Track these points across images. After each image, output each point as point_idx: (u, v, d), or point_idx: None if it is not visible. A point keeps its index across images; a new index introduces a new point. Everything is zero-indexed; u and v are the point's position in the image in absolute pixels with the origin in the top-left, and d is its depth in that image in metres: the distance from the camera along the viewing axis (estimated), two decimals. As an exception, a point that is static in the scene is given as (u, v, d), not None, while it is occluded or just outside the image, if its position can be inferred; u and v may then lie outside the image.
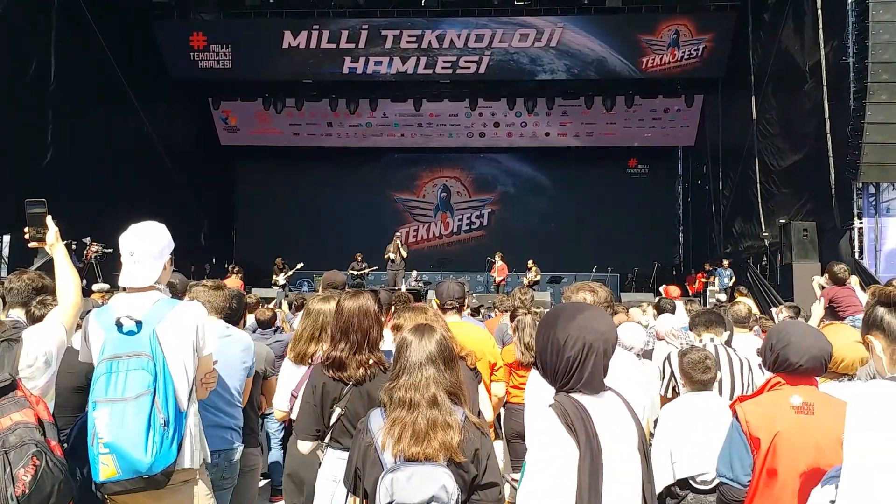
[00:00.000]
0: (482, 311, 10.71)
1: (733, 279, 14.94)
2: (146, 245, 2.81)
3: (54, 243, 2.85)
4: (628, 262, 19.35)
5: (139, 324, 2.68)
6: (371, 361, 2.96)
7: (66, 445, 2.60)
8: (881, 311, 1.86)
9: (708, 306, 10.39)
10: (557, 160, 20.51)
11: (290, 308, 9.65)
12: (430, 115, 19.59)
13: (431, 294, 7.43)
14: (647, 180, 20.93)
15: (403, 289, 14.82)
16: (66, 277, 2.80)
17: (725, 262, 15.66)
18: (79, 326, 2.91)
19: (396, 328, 3.34)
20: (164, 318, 2.74)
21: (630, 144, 19.98)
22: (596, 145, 19.79)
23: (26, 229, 2.83)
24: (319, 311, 3.52)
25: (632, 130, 19.46)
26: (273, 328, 6.07)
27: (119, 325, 2.68)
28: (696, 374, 3.71)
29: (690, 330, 4.77)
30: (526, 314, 4.97)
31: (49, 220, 2.84)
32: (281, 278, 16.95)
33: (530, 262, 17.16)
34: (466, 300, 4.35)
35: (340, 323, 2.99)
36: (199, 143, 19.40)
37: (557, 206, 20.73)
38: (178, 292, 3.71)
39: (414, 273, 17.49)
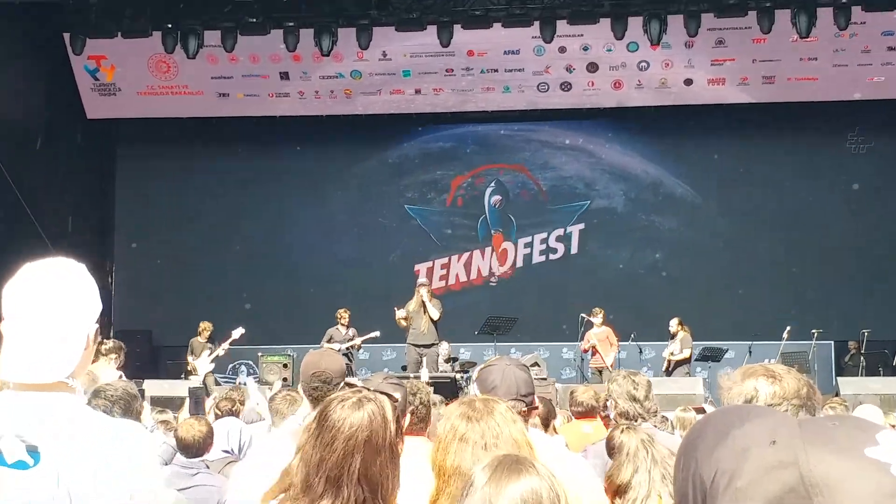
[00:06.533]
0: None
1: None
2: (55, 303, 2.08)
3: None
4: (849, 322, 14.78)
5: (34, 453, 1.96)
6: None
7: None
8: None
9: None
10: (709, 129, 16.33)
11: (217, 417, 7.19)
12: (468, 55, 15.38)
13: (474, 387, 3.79)
14: (871, 160, 15.91)
15: (424, 377, 11.45)
16: None
17: None
18: None
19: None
20: (81, 447, 2.06)
21: (845, 98, 14.99)
22: (781, 101, 15.13)
23: None
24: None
25: (850, 72, 14.67)
26: (200, 457, 4.95)
27: None
28: None
29: None
30: (624, 431, 3.53)
31: None
32: (203, 360, 13.28)
33: (674, 323, 13.39)
34: (539, 400, 3.64)
35: (329, 459, 2.26)
36: (47, 116, 15.68)
37: (710, 216, 16.65)
38: (125, 401, 3.71)
39: (444, 347, 13.01)
